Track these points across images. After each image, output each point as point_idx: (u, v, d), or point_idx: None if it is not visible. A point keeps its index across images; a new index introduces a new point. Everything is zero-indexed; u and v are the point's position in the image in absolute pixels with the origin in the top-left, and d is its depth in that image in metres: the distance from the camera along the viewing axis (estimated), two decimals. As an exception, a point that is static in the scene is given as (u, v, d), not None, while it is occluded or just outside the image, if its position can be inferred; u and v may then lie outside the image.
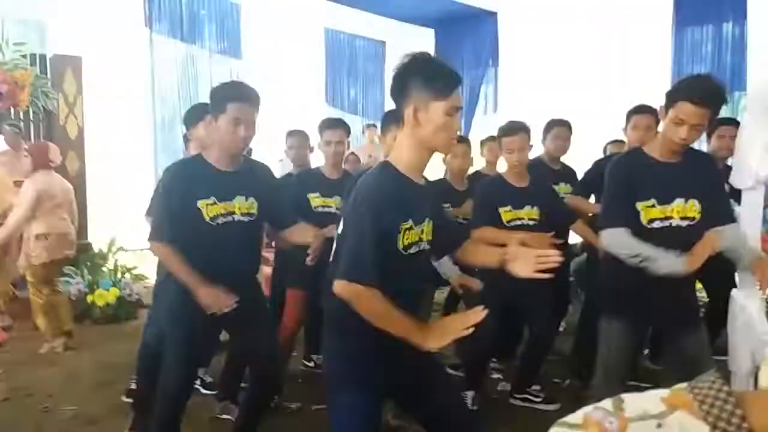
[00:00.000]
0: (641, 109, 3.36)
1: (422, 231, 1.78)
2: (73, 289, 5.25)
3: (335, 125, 3.37)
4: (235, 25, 7.57)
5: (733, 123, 3.80)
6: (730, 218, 2.38)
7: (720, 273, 2.69)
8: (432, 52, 8.41)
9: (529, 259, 1.78)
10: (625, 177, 2.34)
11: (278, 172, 4.02)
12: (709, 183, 2.34)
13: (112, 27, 6.92)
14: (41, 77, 5.97)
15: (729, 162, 3.75)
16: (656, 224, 2.28)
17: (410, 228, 1.72)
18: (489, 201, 3.12)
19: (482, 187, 3.24)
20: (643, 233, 2.26)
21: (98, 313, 5.22)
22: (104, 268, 5.70)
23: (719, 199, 2.38)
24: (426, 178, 1.91)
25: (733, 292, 2.68)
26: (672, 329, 2.47)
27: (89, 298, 5.24)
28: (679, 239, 2.26)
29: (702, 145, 5.05)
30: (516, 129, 3.05)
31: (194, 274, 2.26)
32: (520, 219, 3.10)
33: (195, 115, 3.02)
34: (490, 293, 2.91)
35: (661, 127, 2.42)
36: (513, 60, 7.69)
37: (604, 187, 2.47)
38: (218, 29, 7.47)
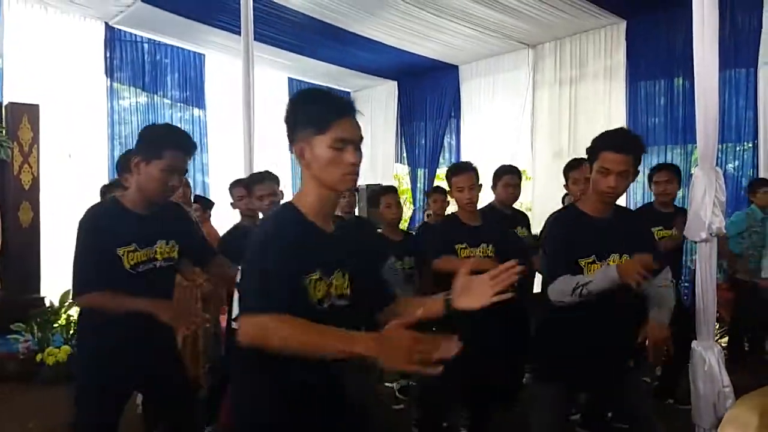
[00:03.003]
0: (577, 164, 3.45)
1: (331, 285, 1.59)
2: (21, 347, 4.97)
3: (263, 179, 3.30)
4: (198, 75, 7.60)
5: (671, 168, 3.90)
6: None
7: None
8: (395, 102, 8.67)
9: (482, 286, 1.56)
10: (565, 235, 2.35)
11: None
12: (641, 240, 2.36)
13: (71, 75, 6.83)
14: (-5, 126, 5.80)
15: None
16: None
17: (319, 279, 1.55)
18: (446, 238, 3.12)
19: (438, 226, 3.24)
20: None
21: (48, 373, 4.92)
22: (56, 324, 5.40)
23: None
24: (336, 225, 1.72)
25: (693, 343, 2.70)
26: (609, 390, 2.46)
27: (38, 357, 4.98)
28: (616, 293, 2.26)
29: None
30: (464, 168, 3.14)
31: (138, 301, 2.06)
32: (475, 257, 3.09)
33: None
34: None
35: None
36: (475, 112, 7.86)
37: (546, 245, 2.48)
38: (181, 79, 7.49)
